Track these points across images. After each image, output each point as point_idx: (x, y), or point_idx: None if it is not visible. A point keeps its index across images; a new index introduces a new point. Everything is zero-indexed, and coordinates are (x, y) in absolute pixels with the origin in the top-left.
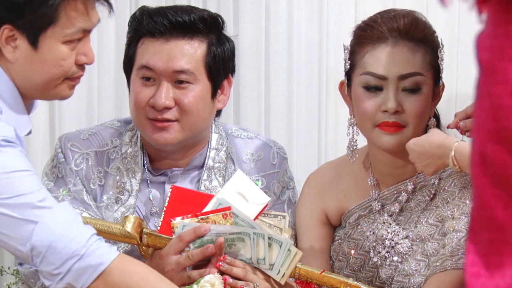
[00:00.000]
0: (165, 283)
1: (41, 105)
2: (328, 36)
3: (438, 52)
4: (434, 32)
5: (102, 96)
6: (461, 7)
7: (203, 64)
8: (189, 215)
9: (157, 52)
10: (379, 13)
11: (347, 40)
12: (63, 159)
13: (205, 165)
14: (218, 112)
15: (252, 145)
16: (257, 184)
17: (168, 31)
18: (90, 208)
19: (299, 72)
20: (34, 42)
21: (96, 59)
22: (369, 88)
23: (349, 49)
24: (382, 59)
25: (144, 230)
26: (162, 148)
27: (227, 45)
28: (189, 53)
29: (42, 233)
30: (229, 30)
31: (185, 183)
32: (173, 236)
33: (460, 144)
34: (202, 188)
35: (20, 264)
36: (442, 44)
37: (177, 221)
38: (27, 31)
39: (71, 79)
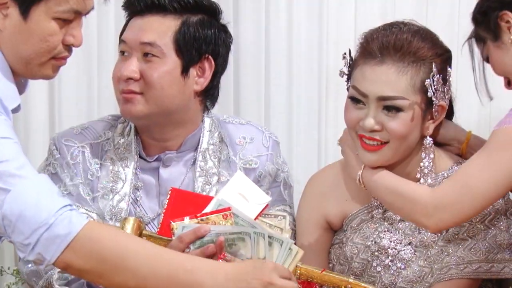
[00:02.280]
0: (136, 241)
1: (41, 105)
2: (328, 36)
3: (430, 76)
4: (441, 54)
5: (102, 96)
6: (461, 7)
7: (172, 40)
8: (188, 217)
9: (132, 27)
10: (384, 25)
11: (347, 42)
12: (59, 155)
13: (199, 147)
14: (211, 100)
15: (244, 130)
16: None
17: (144, 10)
18: (86, 203)
19: (299, 72)
20: (24, 12)
21: (96, 59)
22: (354, 101)
23: (348, 57)
24: (367, 76)
25: (144, 232)
26: (134, 122)
27: (208, 29)
28: (159, 27)
29: (13, 202)
30: (230, 29)
31: (179, 166)
32: (173, 237)
33: (366, 170)
34: (198, 169)
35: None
36: (439, 68)
37: (177, 222)
38: (20, 1)
39: (56, 59)
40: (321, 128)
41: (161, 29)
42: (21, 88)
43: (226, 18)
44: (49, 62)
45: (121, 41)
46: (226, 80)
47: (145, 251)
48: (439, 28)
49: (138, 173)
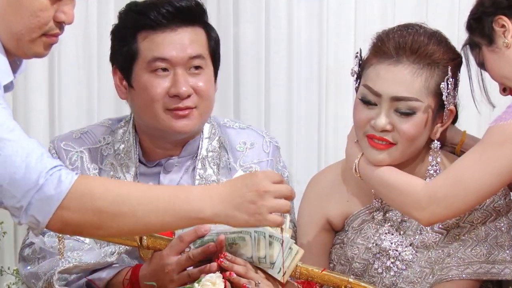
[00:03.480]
0: (126, 185)
1: (41, 105)
2: (328, 36)
3: (445, 79)
4: (454, 58)
5: (102, 96)
6: (461, 8)
7: (208, 49)
8: None
9: (169, 43)
10: (399, 26)
11: (347, 42)
12: (58, 159)
13: (198, 155)
14: None
15: (244, 135)
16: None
17: (172, 20)
18: None
19: (299, 72)
20: None
21: (96, 59)
22: (365, 101)
23: (359, 56)
24: (381, 75)
25: None
26: (179, 137)
27: (214, 30)
28: (197, 39)
29: (2, 165)
30: (229, 30)
31: (181, 173)
32: (174, 237)
33: (362, 159)
34: (197, 177)
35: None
36: (452, 72)
37: None
38: None
39: (47, 36)
40: (321, 128)
41: (200, 40)
42: (15, 67)
43: (226, 18)
44: (40, 39)
45: (159, 59)
46: (226, 80)
47: (137, 192)
48: (439, 29)
49: (138, 179)
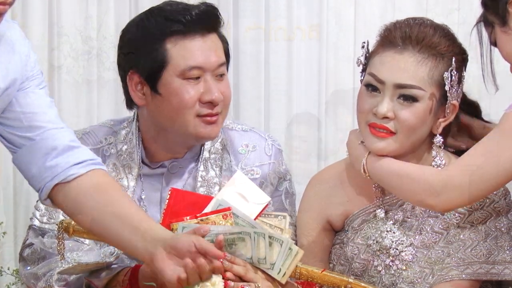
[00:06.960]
0: None
1: None
2: (328, 36)
3: (449, 70)
4: (459, 53)
5: (102, 96)
6: (461, 10)
7: (225, 54)
8: (188, 217)
9: (201, 50)
10: (406, 18)
11: (347, 42)
12: None
13: (200, 157)
14: None
15: (247, 137)
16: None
17: (200, 27)
18: None
19: (299, 73)
20: None
21: (96, 59)
22: (369, 88)
23: (366, 48)
24: (386, 63)
25: None
26: (200, 143)
27: (224, 35)
28: (220, 46)
29: None
30: (229, 30)
31: (184, 175)
32: None
33: (370, 157)
34: (199, 179)
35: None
36: (457, 65)
37: (177, 223)
38: None
39: None
40: (321, 128)
41: (220, 47)
42: None
43: (226, 18)
44: None
45: (194, 68)
46: None
47: None
48: None
49: (141, 180)
